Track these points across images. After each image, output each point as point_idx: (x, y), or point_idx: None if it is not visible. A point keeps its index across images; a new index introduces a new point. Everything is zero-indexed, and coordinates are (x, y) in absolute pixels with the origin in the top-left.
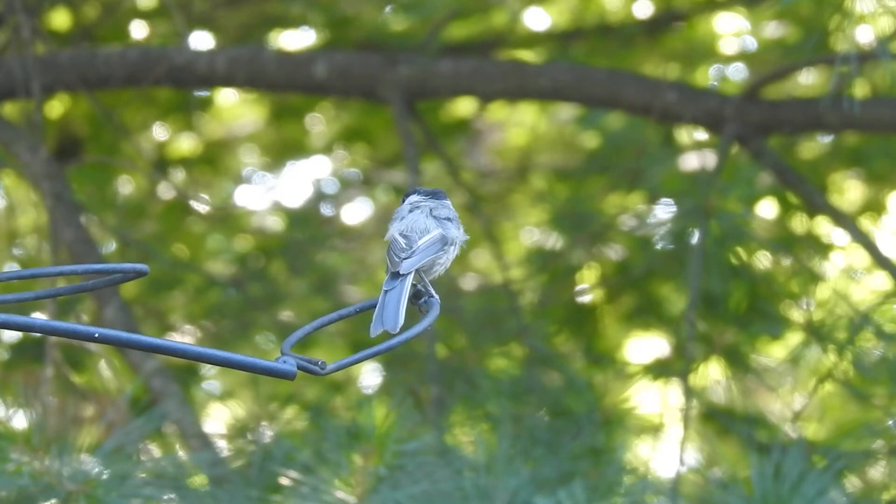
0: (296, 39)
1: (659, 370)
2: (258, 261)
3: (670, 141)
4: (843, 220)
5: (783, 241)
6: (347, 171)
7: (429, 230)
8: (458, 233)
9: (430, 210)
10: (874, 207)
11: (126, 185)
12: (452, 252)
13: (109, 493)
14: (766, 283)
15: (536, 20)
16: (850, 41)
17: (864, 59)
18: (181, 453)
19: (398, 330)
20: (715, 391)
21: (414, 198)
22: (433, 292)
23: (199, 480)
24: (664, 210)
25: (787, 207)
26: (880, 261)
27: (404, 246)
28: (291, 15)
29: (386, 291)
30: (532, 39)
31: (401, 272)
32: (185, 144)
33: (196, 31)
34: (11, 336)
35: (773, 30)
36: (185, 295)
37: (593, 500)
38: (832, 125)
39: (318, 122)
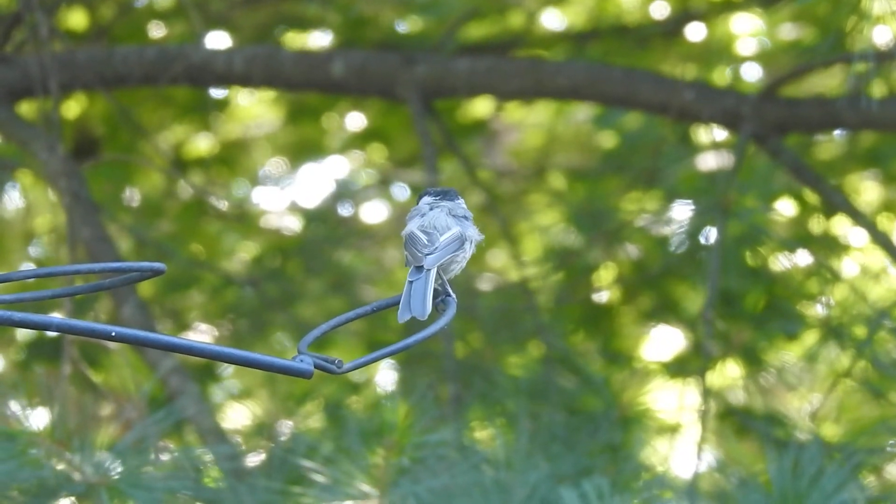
0: (312, 40)
1: (676, 369)
2: (275, 260)
3: (687, 140)
4: (862, 219)
5: (801, 240)
6: (365, 170)
7: (449, 227)
8: (474, 231)
9: (449, 209)
10: (891, 208)
11: (142, 185)
12: (469, 250)
13: (130, 485)
14: (783, 281)
15: (553, 21)
16: (866, 41)
17: (881, 59)
18: (200, 448)
19: (426, 317)
20: (732, 389)
21: (427, 198)
22: (450, 291)
23: (217, 474)
24: (681, 209)
25: (804, 207)
26: None
27: (426, 242)
28: (308, 15)
29: (411, 282)
30: (549, 40)
31: (425, 266)
32: (203, 144)
33: (213, 31)
34: (26, 335)
35: (789, 31)
36: (202, 294)
37: (611, 495)
38: (850, 124)
39: (336, 122)
